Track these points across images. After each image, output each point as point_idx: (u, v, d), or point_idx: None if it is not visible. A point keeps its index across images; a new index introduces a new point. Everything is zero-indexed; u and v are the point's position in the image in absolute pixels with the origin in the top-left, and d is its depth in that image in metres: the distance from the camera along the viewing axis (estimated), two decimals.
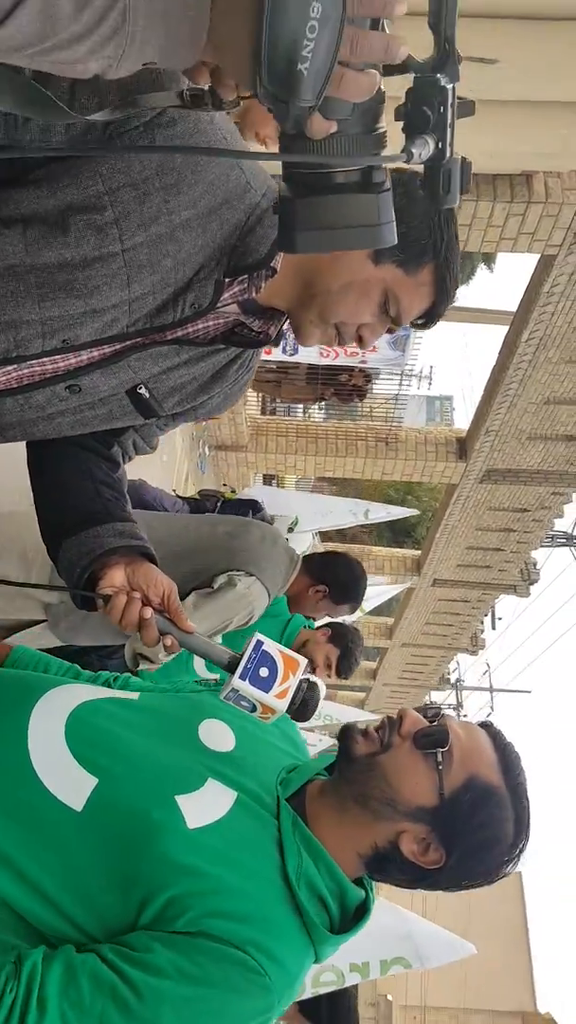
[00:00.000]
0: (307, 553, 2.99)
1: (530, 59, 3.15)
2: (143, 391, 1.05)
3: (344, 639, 2.79)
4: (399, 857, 0.98)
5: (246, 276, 1.01)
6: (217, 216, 0.95)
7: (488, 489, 10.50)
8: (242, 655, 1.01)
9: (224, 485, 8.83)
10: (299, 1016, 2.19)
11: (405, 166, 0.70)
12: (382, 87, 0.63)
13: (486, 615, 15.91)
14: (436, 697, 23.92)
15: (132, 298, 0.94)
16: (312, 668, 2.71)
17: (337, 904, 0.96)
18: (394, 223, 0.69)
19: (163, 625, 1.08)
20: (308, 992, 2.28)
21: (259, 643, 1.01)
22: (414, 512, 5.22)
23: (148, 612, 1.07)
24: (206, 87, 0.87)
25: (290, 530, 4.04)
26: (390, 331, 1.10)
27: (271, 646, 1.02)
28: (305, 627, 2.75)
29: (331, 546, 11.60)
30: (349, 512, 4.53)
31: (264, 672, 0.99)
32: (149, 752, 0.99)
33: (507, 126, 3.77)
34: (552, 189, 5.71)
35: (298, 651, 2.89)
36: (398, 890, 1.10)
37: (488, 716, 25.32)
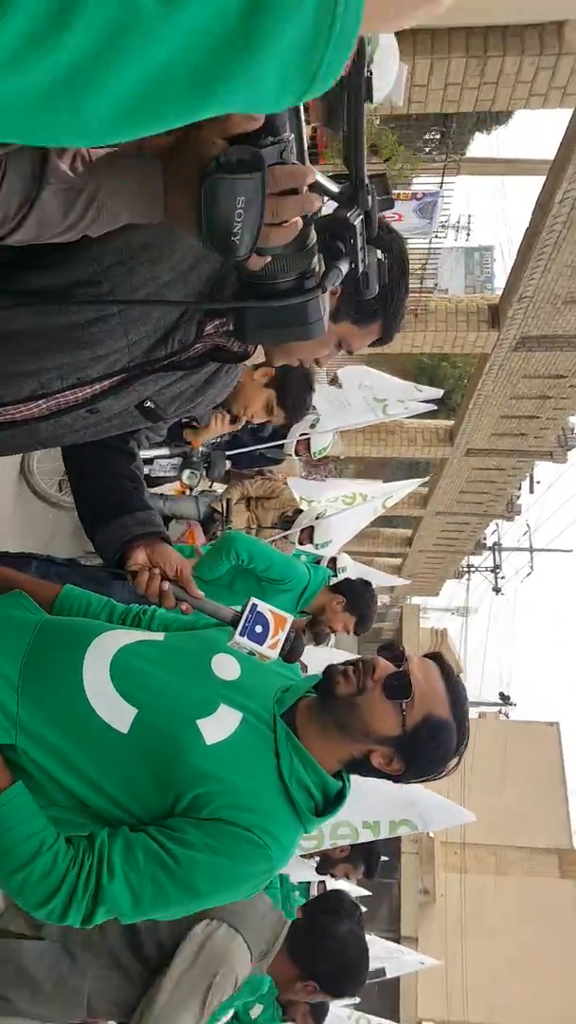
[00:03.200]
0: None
1: None
2: (149, 404, 1.27)
3: (359, 607, 3.05)
4: (369, 765, 1.31)
5: (223, 318, 1.21)
6: (195, 271, 1.12)
7: (522, 357, 10.29)
8: (241, 614, 1.27)
9: None
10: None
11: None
12: (310, 213, 0.81)
13: (523, 481, 15.96)
14: (474, 561, 24.38)
15: (130, 343, 1.14)
16: (332, 631, 3.04)
17: (320, 793, 1.28)
18: (323, 320, 0.88)
19: (178, 593, 1.36)
20: (327, 843, 2.67)
21: (254, 605, 1.29)
22: (431, 407, 5.18)
23: (166, 585, 1.35)
24: None
25: (312, 426, 4.15)
26: (348, 351, 1.33)
27: (264, 607, 1.29)
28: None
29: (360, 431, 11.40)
30: (368, 408, 4.57)
31: (259, 629, 1.27)
32: (174, 685, 1.29)
33: None
34: None
35: (316, 617, 3.10)
36: None
37: (527, 576, 25.84)
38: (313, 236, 0.85)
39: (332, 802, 1.31)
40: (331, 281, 0.85)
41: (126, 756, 1.21)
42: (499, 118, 17.07)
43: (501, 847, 20.85)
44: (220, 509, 4.35)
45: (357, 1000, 7.81)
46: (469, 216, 27.05)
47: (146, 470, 3.54)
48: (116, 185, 0.82)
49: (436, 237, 9.74)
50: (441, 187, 8.38)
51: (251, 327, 0.89)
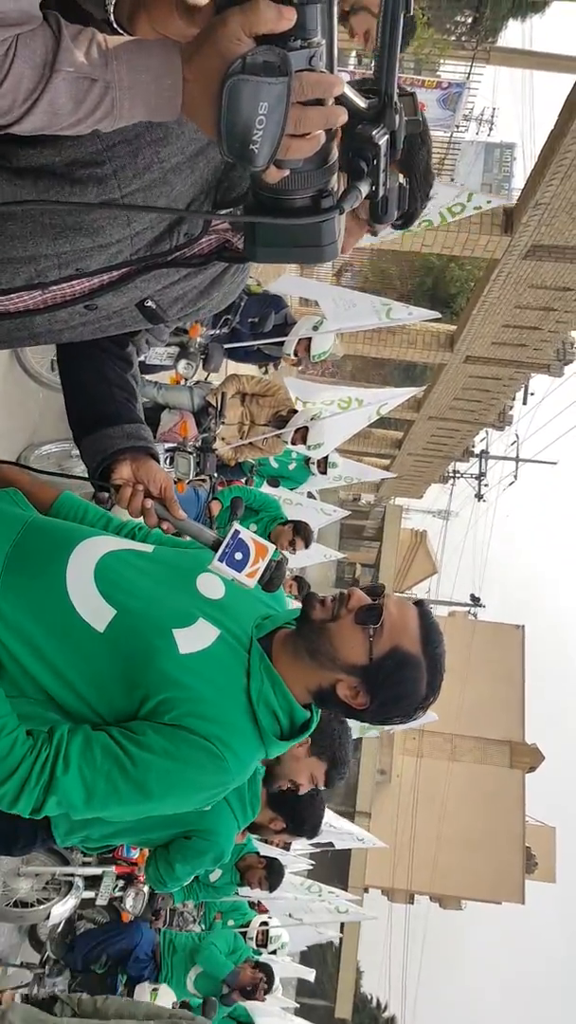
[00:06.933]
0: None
1: None
2: (150, 303, 1.20)
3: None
4: (335, 697, 1.29)
5: (232, 208, 1.13)
6: (203, 156, 1.06)
7: (532, 266, 10.06)
8: (222, 540, 1.26)
9: (250, 278, 8.55)
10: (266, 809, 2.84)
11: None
12: (335, 127, 0.76)
13: (517, 392, 15.91)
14: (460, 467, 24.53)
15: (133, 233, 1.08)
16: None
17: (287, 719, 1.28)
18: (337, 243, 0.82)
19: (160, 512, 1.34)
20: None
21: (236, 532, 1.26)
22: (435, 315, 5.10)
23: (149, 503, 1.33)
24: None
25: (315, 328, 4.14)
26: (371, 232, 1.24)
27: (246, 535, 1.26)
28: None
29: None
30: (372, 310, 4.48)
31: (239, 556, 1.25)
32: (156, 594, 1.29)
33: None
34: None
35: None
36: None
37: (510, 485, 26.11)
38: (335, 152, 0.79)
39: (297, 730, 1.31)
40: (349, 203, 0.79)
41: (99, 654, 1.22)
42: (536, 5, 15.82)
43: (457, 736, 22.04)
44: (215, 402, 4.37)
45: (311, 866, 8.50)
46: (494, 109, 25.20)
47: (141, 357, 3.66)
48: (133, 77, 0.75)
49: (458, 130, 9.31)
50: (468, 77, 7.94)
51: (261, 244, 0.83)
